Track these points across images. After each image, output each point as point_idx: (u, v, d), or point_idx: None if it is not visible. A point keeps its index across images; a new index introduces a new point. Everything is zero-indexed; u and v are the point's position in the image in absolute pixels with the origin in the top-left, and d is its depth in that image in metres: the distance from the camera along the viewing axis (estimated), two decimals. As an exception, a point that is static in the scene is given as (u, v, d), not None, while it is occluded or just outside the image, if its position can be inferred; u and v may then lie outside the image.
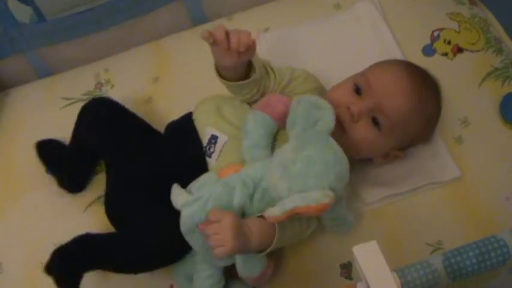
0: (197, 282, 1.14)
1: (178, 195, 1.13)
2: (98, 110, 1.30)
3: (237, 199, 1.08)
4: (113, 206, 1.26)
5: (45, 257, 1.31)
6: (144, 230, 1.14)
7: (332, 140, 1.07)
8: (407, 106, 1.16)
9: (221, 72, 1.19)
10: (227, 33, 1.08)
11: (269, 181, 1.07)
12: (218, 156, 1.19)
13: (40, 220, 1.37)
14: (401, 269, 0.78)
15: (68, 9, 1.53)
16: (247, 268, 1.09)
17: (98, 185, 1.38)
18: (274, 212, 1.00)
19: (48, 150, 1.41)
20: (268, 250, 1.07)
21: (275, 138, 1.18)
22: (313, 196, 0.99)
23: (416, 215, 1.23)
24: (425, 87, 1.20)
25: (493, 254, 0.78)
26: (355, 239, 1.18)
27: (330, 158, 1.04)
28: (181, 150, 1.24)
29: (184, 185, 1.17)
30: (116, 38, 1.62)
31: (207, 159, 1.20)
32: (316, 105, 1.09)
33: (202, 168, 1.19)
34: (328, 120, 1.08)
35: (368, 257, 0.74)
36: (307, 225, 1.14)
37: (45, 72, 1.66)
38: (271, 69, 1.25)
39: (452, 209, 1.23)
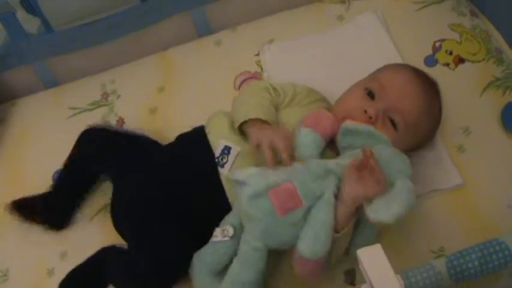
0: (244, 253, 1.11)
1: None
2: (99, 135, 1.34)
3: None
4: (122, 223, 1.28)
5: (52, 264, 1.34)
6: (155, 248, 1.16)
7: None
8: (420, 106, 1.18)
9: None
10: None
11: None
12: (231, 166, 1.20)
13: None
14: (405, 271, 0.79)
15: (75, 21, 1.55)
16: (316, 244, 1.05)
17: (103, 194, 1.39)
18: (385, 218, 1.00)
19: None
20: (343, 232, 1.07)
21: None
22: (410, 197, 1.02)
23: (419, 221, 1.23)
24: (431, 89, 1.23)
25: (494, 256, 0.79)
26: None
27: (404, 157, 1.12)
28: (192, 161, 1.24)
29: (195, 196, 1.19)
30: (122, 49, 1.64)
31: (220, 169, 1.20)
32: (368, 132, 1.13)
33: (214, 179, 1.20)
34: (385, 140, 1.13)
35: (372, 259, 0.75)
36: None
37: (52, 82, 1.68)
38: (276, 88, 1.28)
39: (454, 216, 1.24)
